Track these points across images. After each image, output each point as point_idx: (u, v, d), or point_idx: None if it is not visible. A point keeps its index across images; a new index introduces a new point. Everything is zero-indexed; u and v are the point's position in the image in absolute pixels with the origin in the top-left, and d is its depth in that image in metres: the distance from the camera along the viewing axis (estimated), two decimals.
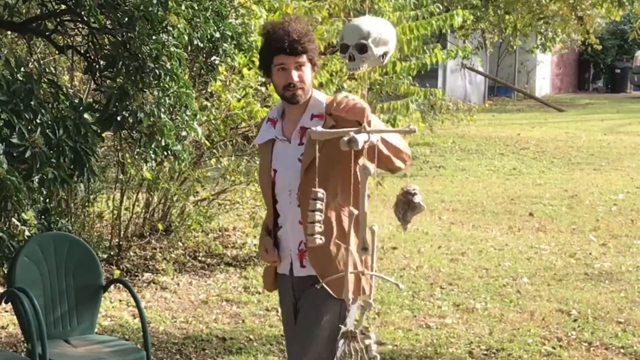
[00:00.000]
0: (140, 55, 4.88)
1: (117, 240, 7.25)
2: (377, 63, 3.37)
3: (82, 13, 5.09)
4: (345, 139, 2.83)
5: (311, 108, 3.39)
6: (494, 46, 23.22)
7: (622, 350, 5.49)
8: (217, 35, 5.34)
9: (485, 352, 5.46)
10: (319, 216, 2.89)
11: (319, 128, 2.98)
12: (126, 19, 4.89)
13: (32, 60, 6.03)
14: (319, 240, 2.91)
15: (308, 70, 3.36)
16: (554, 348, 5.50)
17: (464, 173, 12.75)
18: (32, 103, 4.49)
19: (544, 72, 27.44)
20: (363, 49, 3.25)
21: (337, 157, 3.17)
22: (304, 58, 3.33)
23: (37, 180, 4.53)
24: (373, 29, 3.26)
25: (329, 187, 3.18)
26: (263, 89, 6.88)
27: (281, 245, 3.46)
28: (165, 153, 5.12)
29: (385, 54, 3.32)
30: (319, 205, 2.89)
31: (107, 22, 5.13)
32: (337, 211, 3.35)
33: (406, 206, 3.02)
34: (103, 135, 5.17)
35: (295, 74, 3.31)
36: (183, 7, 5.09)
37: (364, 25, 3.29)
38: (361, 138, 2.85)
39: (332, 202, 3.30)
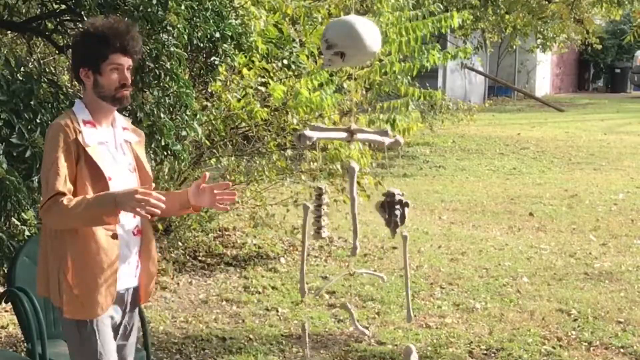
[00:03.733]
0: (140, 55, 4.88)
1: None
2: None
3: (82, 13, 5.10)
4: (297, 134, 2.84)
5: (117, 120, 3.36)
6: (494, 46, 23.22)
7: (622, 350, 5.49)
8: (217, 35, 5.35)
9: (485, 352, 5.46)
10: (326, 209, 2.92)
11: (310, 131, 2.94)
12: (126, 19, 4.89)
13: (32, 60, 6.03)
14: (325, 233, 2.93)
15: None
16: (554, 348, 5.50)
17: (464, 173, 12.75)
18: (32, 103, 4.49)
19: (544, 72, 27.46)
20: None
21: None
22: (133, 62, 3.31)
23: (37, 180, 4.53)
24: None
25: None
26: (263, 89, 6.88)
27: (126, 257, 3.30)
28: (165, 153, 5.13)
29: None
30: (324, 199, 2.91)
31: None
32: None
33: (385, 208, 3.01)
34: None
35: (128, 76, 3.26)
36: (183, 7, 5.09)
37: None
38: (313, 134, 2.85)
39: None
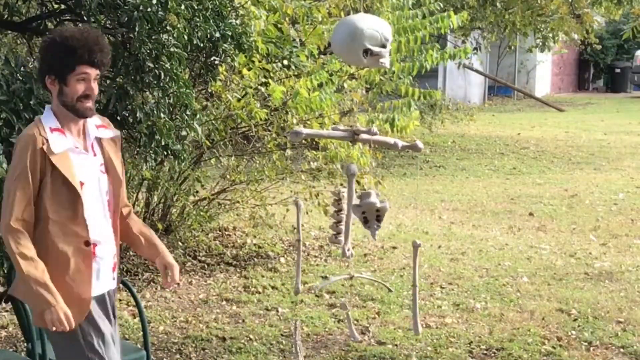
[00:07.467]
0: (140, 55, 4.89)
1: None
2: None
3: (82, 13, 5.10)
4: (290, 131, 2.91)
5: (88, 120, 3.35)
6: (494, 46, 23.21)
7: (622, 350, 5.49)
8: (217, 35, 5.35)
9: (485, 352, 5.46)
10: (343, 215, 2.94)
11: (301, 128, 2.99)
12: (126, 19, 4.90)
13: (33, 59, 6.03)
14: (342, 238, 2.96)
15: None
16: (554, 347, 5.50)
17: (464, 173, 12.75)
18: (32, 103, 4.49)
19: (544, 72, 27.44)
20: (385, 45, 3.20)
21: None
22: (99, 72, 3.32)
23: None
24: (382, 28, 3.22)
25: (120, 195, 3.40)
26: (263, 89, 6.88)
27: (100, 262, 3.36)
28: (165, 153, 5.13)
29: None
30: (343, 205, 2.93)
31: (107, 22, 5.13)
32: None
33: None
34: None
35: (95, 87, 3.28)
36: (183, 7, 5.09)
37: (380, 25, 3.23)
38: (305, 131, 2.88)
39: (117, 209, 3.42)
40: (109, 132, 3.42)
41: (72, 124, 3.30)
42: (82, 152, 3.31)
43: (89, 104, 3.26)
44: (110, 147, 3.40)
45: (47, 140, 3.20)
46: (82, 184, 3.25)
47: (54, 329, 3.17)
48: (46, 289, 3.15)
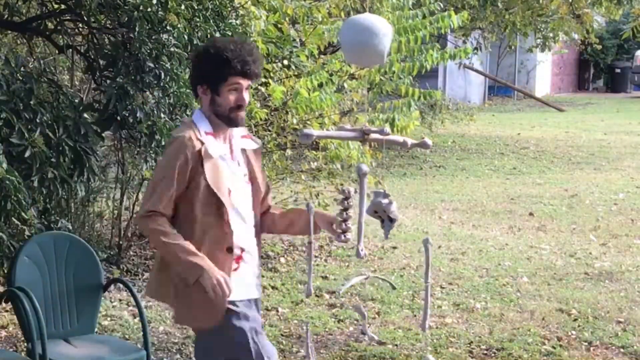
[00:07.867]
0: (140, 55, 4.90)
1: (117, 239, 7.25)
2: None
3: (82, 13, 5.11)
4: (299, 132, 2.91)
5: (235, 130, 3.39)
6: (494, 46, 23.21)
7: (622, 350, 5.49)
8: (217, 35, 5.35)
9: (485, 352, 5.46)
10: (352, 213, 3.00)
11: (311, 130, 2.99)
12: (126, 19, 4.90)
13: (33, 60, 6.04)
14: (349, 237, 3.02)
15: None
16: (554, 347, 5.50)
17: (464, 173, 12.75)
18: (32, 102, 4.50)
19: (544, 72, 27.43)
20: None
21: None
22: (251, 82, 3.36)
23: (37, 180, 4.54)
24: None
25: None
26: (263, 89, 6.88)
27: (244, 268, 3.39)
28: None
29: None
30: (350, 203, 2.98)
31: (107, 22, 5.14)
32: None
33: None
34: (103, 134, 5.19)
35: (246, 97, 3.31)
36: (183, 7, 5.10)
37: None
38: (315, 133, 2.89)
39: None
40: (253, 143, 3.46)
41: (221, 131, 3.33)
42: (230, 159, 3.34)
43: (242, 114, 3.31)
44: (254, 158, 3.44)
45: (203, 143, 3.25)
46: (230, 191, 3.29)
47: (214, 294, 3.18)
48: (195, 256, 3.18)
